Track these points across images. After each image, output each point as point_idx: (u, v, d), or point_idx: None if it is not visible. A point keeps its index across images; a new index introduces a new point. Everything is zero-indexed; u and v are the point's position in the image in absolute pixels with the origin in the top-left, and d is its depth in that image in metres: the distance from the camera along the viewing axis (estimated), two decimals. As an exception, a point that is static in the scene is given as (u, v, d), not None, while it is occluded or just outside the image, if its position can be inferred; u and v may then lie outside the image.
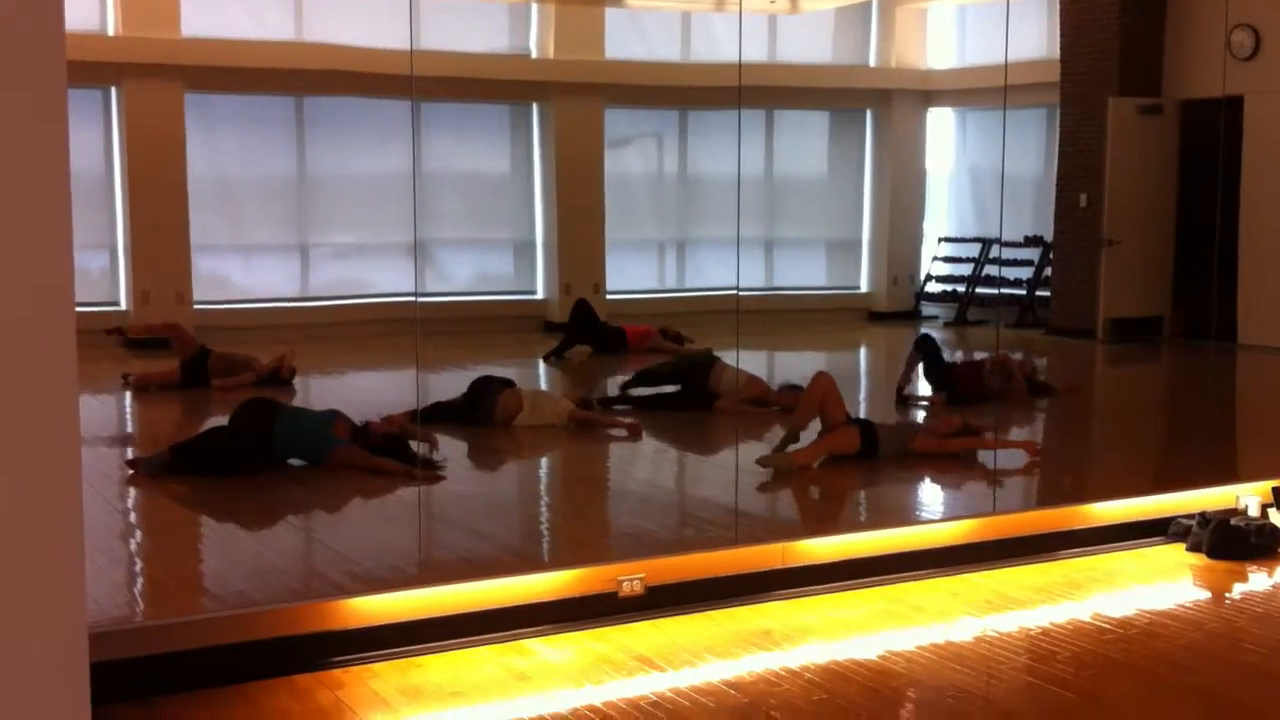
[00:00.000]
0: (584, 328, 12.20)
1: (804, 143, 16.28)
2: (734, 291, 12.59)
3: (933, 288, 16.01)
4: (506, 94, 14.46)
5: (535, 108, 14.73)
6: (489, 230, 14.88)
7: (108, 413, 9.50)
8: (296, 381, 10.31)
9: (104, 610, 4.66)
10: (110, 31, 12.80)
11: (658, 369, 9.68)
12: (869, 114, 16.25)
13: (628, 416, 8.83)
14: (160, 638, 4.51)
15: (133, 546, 6.08)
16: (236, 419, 7.37)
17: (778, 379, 9.73)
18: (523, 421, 8.39)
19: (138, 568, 5.70)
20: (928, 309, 16.02)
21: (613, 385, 10.01)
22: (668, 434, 8.76)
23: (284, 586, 5.22)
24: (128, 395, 9.89)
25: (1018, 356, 10.56)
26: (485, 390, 8.49)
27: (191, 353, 10.15)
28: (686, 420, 9.01)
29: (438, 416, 8.26)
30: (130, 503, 6.75)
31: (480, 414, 8.38)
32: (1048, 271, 14.45)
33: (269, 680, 4.49)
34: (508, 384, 8.65)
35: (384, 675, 4.57)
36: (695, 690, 4.48)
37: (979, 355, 9.86)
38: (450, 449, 7.92)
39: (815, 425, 7.48)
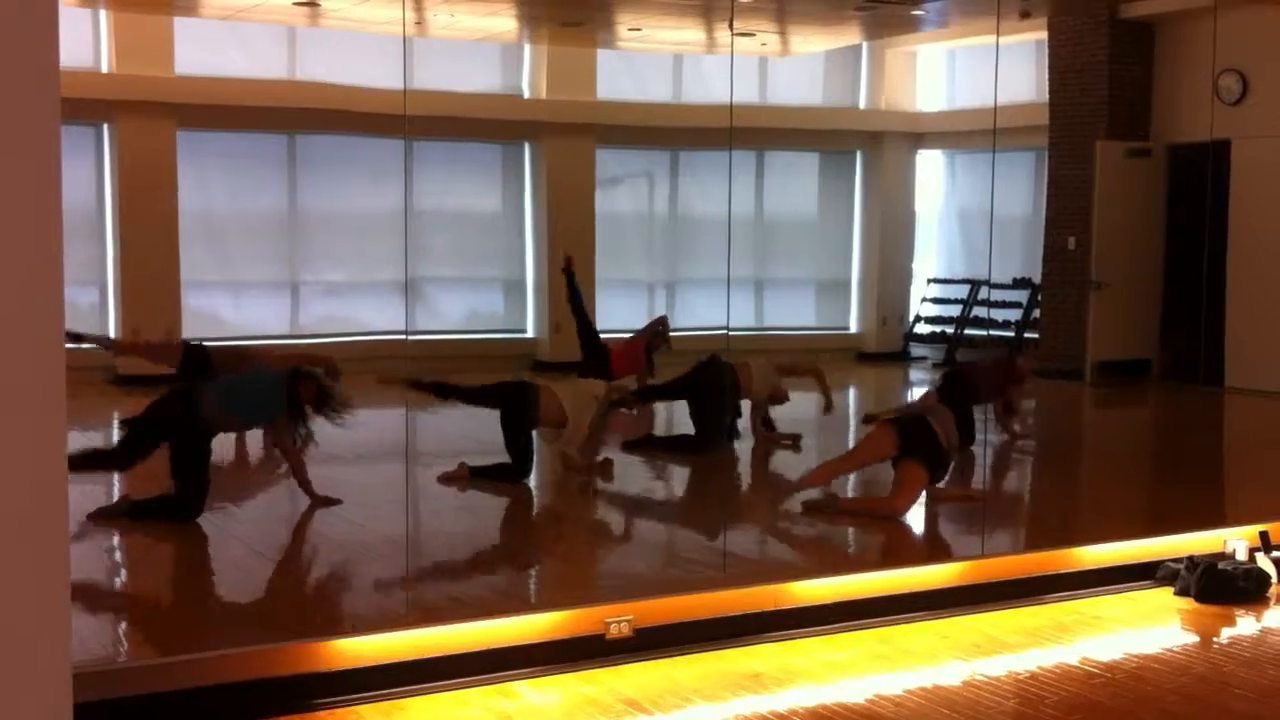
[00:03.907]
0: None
1: (794, 183, 16.35)
2: (724, 331, 12.60)
3: (921, 329, 16.05)
4: (498, 133, 14.51)
5: (527, 147, 14.78)
6: (480, 268, 14.90)
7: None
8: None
9: (88, 650, 4.63)
10: (103, 68, 12.83)
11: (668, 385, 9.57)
12: (859, 155, 16.33)
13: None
14: (144, 678, 4.49)
15: (117, 585, 6.05)
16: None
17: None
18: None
19: (123, 606, 5.67)
20: (916, 350, 16.05)
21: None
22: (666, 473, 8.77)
23: (268, 626, 5.19)
24: (116, 433, 9.84)
25: None
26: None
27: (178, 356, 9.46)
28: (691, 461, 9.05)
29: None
30: (115, 540, 6.71)
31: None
32: (1036, 313, 14.50)
33: (254, 722, 4.47)
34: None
35: (369, 718, 4.55)
36: (682, 733, 4.46)
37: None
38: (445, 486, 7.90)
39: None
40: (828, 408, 9.55)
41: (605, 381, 8.62)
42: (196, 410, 6.93)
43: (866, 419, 7.40)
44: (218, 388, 7.32)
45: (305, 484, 7.17)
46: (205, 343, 10.04)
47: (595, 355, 11.46)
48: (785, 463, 9.27)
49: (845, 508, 7.12)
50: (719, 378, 9.11)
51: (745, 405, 9.52)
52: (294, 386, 7.03)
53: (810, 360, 9.60)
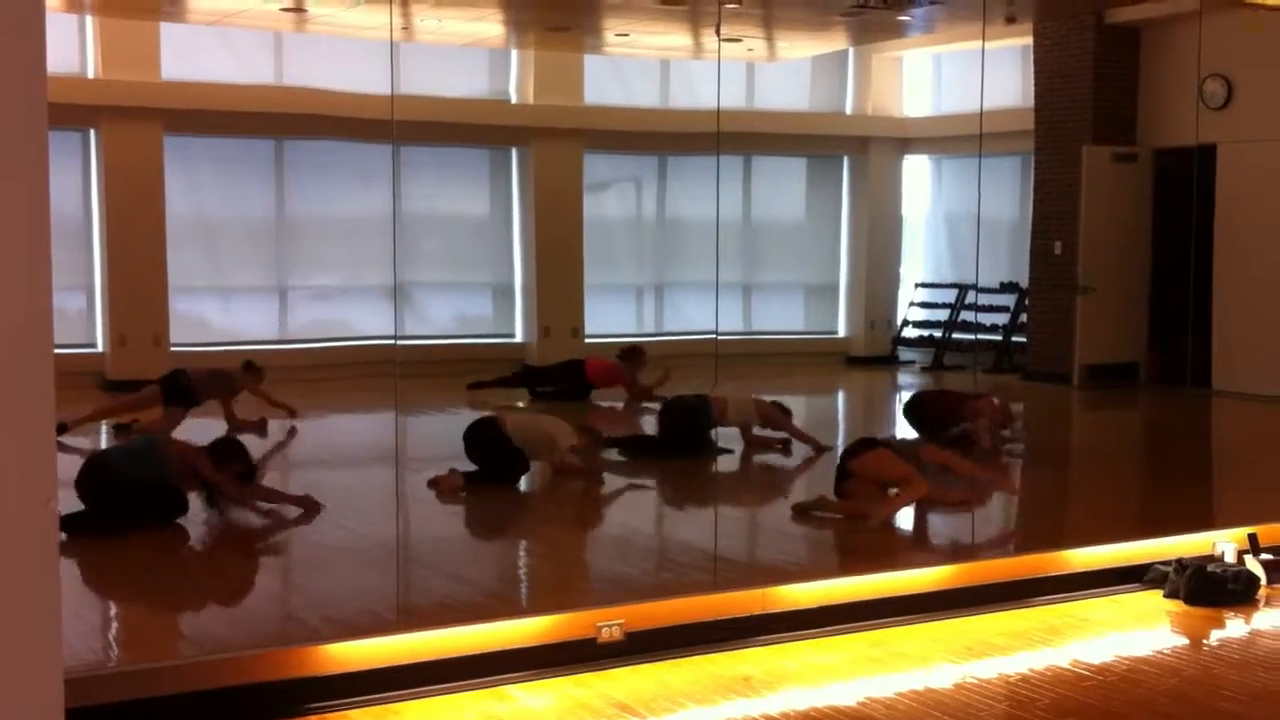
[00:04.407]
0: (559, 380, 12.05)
1: (781, 188, 16.38)
2: (713, 335, 12.62)
3: (909, 333, 16.08)
4: (486, 138, 14.51)
5: (515, 152, 14.78)
6: (468, 273, 14.90)
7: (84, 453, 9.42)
8: (275, 425, 10.27)
9: (79, 655, 4.62)
10: (90, 74, 12.80)
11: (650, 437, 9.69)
12: (846, 160, 16.36)
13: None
14: (135, 683, 4.48)
15: (105, 590, 6.02)
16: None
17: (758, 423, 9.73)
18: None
19: (113, 611, 5.65)
20: (904, 354, 16.09)
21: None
22: (656, 478, 8.77)
23: (260, 631, 5.18)
24: (104, 437, 9.82)
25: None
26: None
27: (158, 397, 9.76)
28: (680, 466, 9.03)
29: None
30: (105, 545, 6.68)
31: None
32: (1023, 317, 14.54)
33: (245, 727, 4.46)
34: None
35: (362, 722, 4.54)
36: (675, 737, 4.46)
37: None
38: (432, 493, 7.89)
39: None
40: (816, 449, 9.46)
41: (567, 424, 8.63)
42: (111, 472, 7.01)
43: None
44: (119, 455, 7.39)
45: (279, 500, 7.20)
46: (185, 367, 10.13)
47: (567, 377, 11.78)
48: (779, 465, 9.28)
49: (834, 511, 7.18)
50: (689, 416, 9.28)
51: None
52: (220, 461, 7.03)
53: (785, 419, 9.56)
